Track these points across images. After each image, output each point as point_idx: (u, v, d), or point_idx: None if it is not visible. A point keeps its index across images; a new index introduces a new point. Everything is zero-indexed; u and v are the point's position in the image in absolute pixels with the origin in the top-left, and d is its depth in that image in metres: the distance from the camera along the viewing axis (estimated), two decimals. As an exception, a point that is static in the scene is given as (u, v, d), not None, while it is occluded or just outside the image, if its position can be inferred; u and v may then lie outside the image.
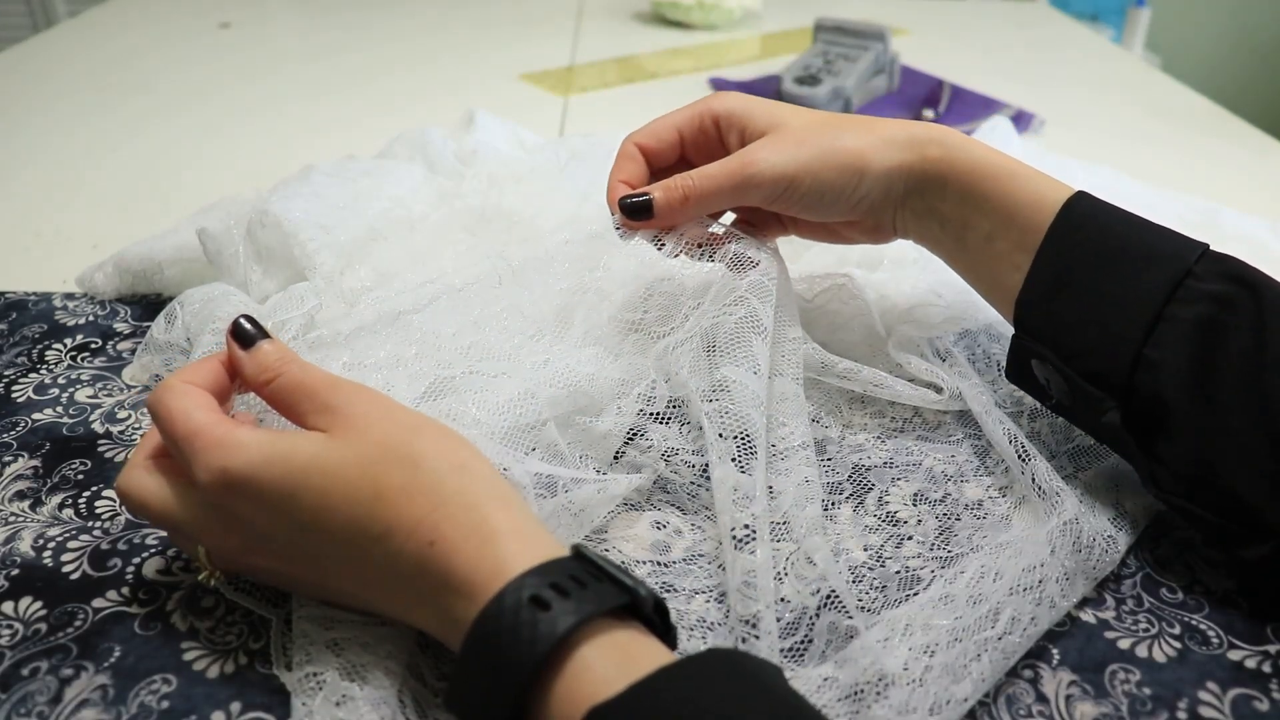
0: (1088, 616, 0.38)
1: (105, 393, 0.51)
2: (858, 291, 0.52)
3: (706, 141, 0.47)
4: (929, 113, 0.97)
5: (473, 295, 0.48)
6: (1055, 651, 0.36)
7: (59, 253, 0.67)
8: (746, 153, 0.43)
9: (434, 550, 0.31)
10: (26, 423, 0.48)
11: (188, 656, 0.35)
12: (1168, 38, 2.46)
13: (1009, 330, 0.44)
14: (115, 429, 0.48)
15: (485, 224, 0.61)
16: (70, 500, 0.43)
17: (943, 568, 0.40)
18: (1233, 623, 0.38)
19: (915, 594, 0.38)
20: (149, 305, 0.59)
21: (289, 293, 0.51)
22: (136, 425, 0.48)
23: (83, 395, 0.50)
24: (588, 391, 0.44)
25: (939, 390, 0.48)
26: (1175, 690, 0.35)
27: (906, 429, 0.48)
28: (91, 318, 0.58)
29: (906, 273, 0.56)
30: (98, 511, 0.42)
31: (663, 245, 0.46)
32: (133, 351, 0.54)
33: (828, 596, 0.36)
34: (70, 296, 0.60)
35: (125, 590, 0.38)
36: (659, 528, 0.42)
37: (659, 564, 0.40)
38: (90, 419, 0.48)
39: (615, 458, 0.44)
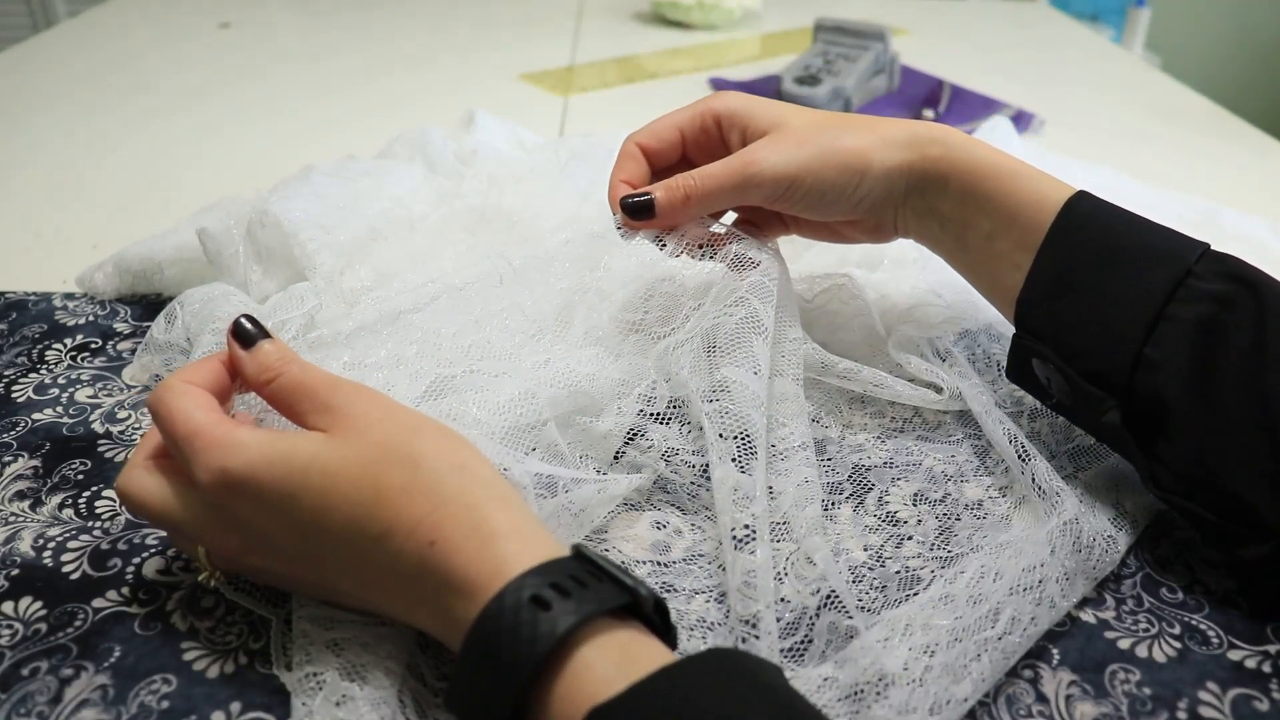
0: (1088, 616, 0.38)
1: (105, 393, 0.51)
2: (858, 291, 0.52)
3: (708, 141, 0.47)
4: (929, 113, 0.97)
5: (473, 294, 0.48)
6: (1055, 651, 0.36)
7: (59, 253, 0.67)
8: (748, 152, 0.43)
9: (434, 550, 0.31)
10: (26, 423, 0.48)
11: (188, 656, 0.35)
12: (1168, 38, 2.46)
13: (1009, 330, 0.44)
14: (115, 429, 0.48)
15: (485, 224, 0.61)
16: (70, 500, 0.43)
17: (943, 568, 0.40)
18: (1233, 623, 0.38)
19: (915, 594, 0.38)
20: (149, 305, 0.59)
21: (289, 293, 0.51)
22: (136, 425, 0.48)
23: (83, 395, 0.50)
24: (588, 391, 0.44)
25: (939, 390, 0.48)
26: (1175, 690, 0.35)
27: (906, 429, 0.48)
28: (91, 318, 0.58)
29: (906, 273, 0.56)
30: (98, 511, 0.42)
31: (664, 245, 0.46)
32: (133, 351, 0.54)
33: (828, 596, 0.36)
34: (70, 296, 0.60)
35: (125, 590, 0.38)
36: (659, 528, 0.42)
37: (659, 564, 0.40)
38: (90, 419, 0.48)
39: (615, 458, 0.44)
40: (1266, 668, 0.36)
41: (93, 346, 0.55)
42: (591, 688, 0.27)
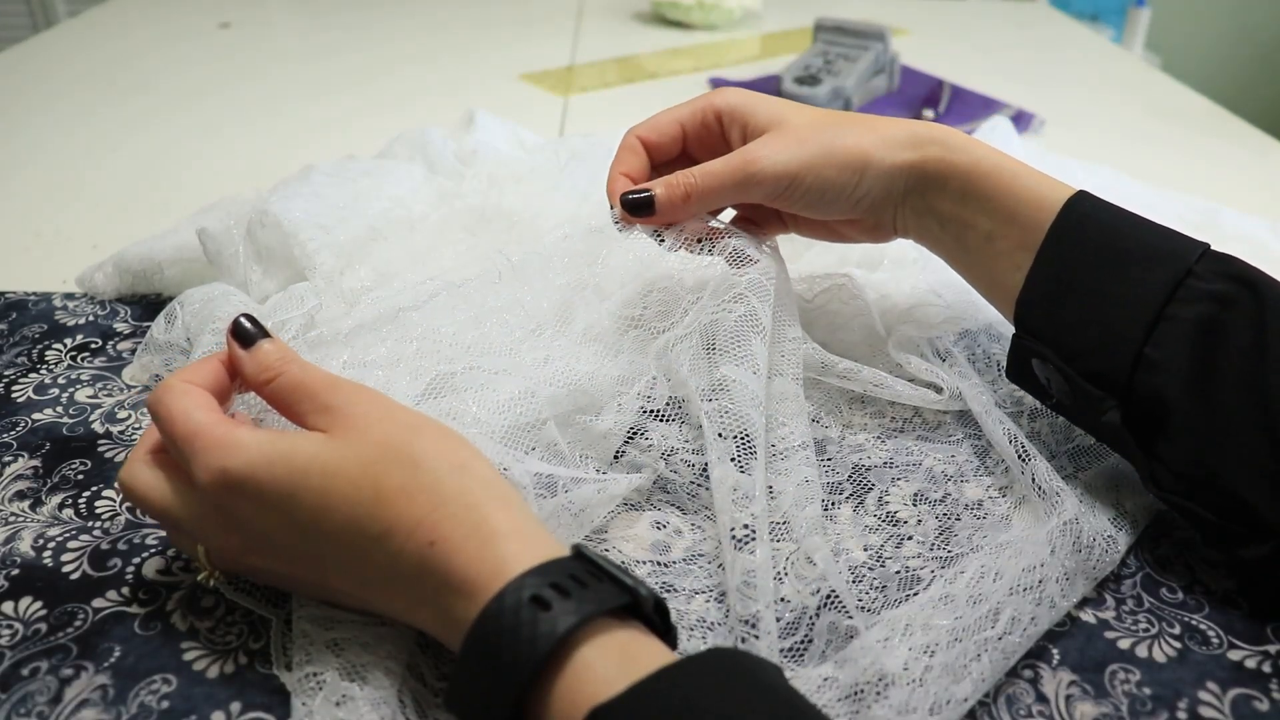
0: (1088, 616, 0.38)
1: (105, 393, 0.51)
2: (858, 291, 0.52)
3: (709, 136, 0.47)
4: (929, 113, 0.97)
5: (472, 292, 0.48)
6: (1055, 651, 0.36)
7: (59, 253, 0.67)
8: (749, 150, 0.43)
9: (434, 551, 0.31)
10: (26, 423, 0.48)
11: (188, 656, 0.35)
12: (1168, 38, 2.46)
13: (1009, 330, 0.44)
14: (115, 429, 0.48)
15: (485, 224, 0.61)
16: (70, 500, 0.43)
17: (943, 567, 0.40)
18: (1233, 623, 0.38)
19: (915, 594, 0.38)
20: (149, 305, 0.59)
21: (289, 293, 0.51)
22: (136, 425, 0.48)
23: (83, 395, 0.50)
24: (587, 390, 0.44)
25: (939, 390, 0.48)
26: (1175, 690, 0.35)
27: (906, 429, 0.48)
28: (91, 318, 0.58)
29: (906, 273, 0.56)
30: (98, 511, 0.42)
31: (662, 240, 0.46)
32: (133, 351, 0.54)
33: (828, 596, 0.36)
34: (70, 296, 0.60)
35: (125, 590, 0.38)
36: (659, 527, 0.42)
37: (659, 564, 0.40)
38: (90, 419, 0.48)
39: (615, 457, 0.44)
40: (1266, 668, 0.36)
41: (93, 346, 0.55)
42: (592, 687, 0.27)
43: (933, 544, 0.41)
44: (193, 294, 0.52)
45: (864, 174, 0.43)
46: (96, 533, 0.41)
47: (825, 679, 0.33)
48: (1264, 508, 0.35)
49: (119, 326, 0.57)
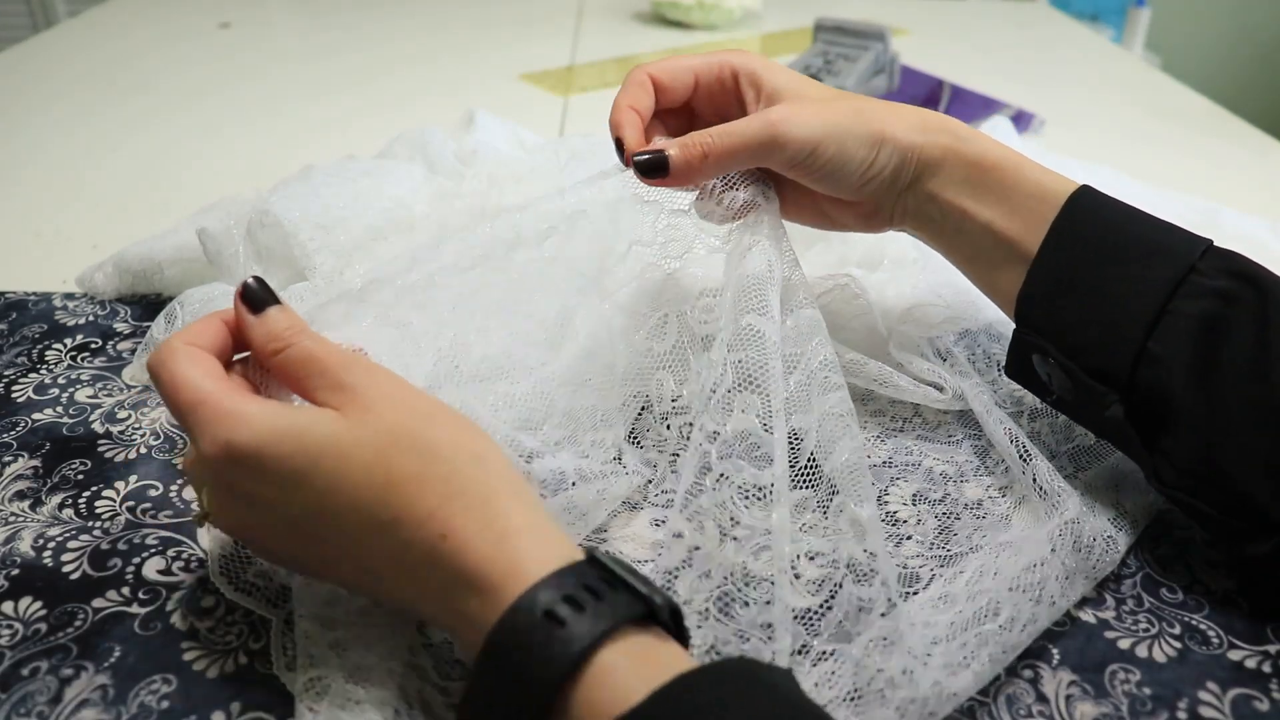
0: (1088, 616, 0.38)
1: (105, 393, 0.51)
2: (859, 291, 0.52)
3: (720, 94, 0.46)
4: (929, 113, 0.97)
5: (473, 289, 0.47)
6: (1055, 651, 0.36)
7: (59, 253, 0.67)
8: (772, 113, 0.42)
9: (446, 545, 0.30)
10: (26, 423, 0.48)
11: (188, 656, 0.35)
12: (1168, 38, 2.46)
13: (1009, 330, 0.44)
14: (115, 429, 0.48)
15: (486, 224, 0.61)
16: (70, 500, 0.43)
17: (942, 567, 0.40)
18: (1233, 623, 0.38)
19: (915, 593, 0.38)
20: (149, 305, 0.59)
21: (289, 292, 0.51)
22: (136, 425, 0.48)
23: (83, 395, 0.50)
24: (589, 389, 0.44)
25: (941, 390, 0.48)
26: (1175, 690, 0.35)
27: (906, 429, 0.48)
28: (91, 318, 0.58)
29: (906, 273, 0.56)
30: (98, 511, 0.42)
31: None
32: (133, 351, 0.54)
33: (849, 566, 0.36)
34: (70, 296, 0.60)
35: (125, 590, 0.38)
36: (659, 526, 0.42)
37: (659, 563, 0.40)
38: (90, 419, 0.48)
39: (616, 458, 0.44)
40: (1266, 668, 0.36)
41: (93, 346, 0.55)
42: (612, 694, 0.27)
43: (932, 543, 0.41)
44: (193, 294, 0.52)
45: (880, 151, 0.43)
46: (96, 533, 0.41)
47: (828, 675, 0.33)
48: (1268, 503, 0.35)
49: (119, 326, 0.57)
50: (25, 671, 0.34)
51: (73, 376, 0.52)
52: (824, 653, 0.34)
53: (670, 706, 0.26)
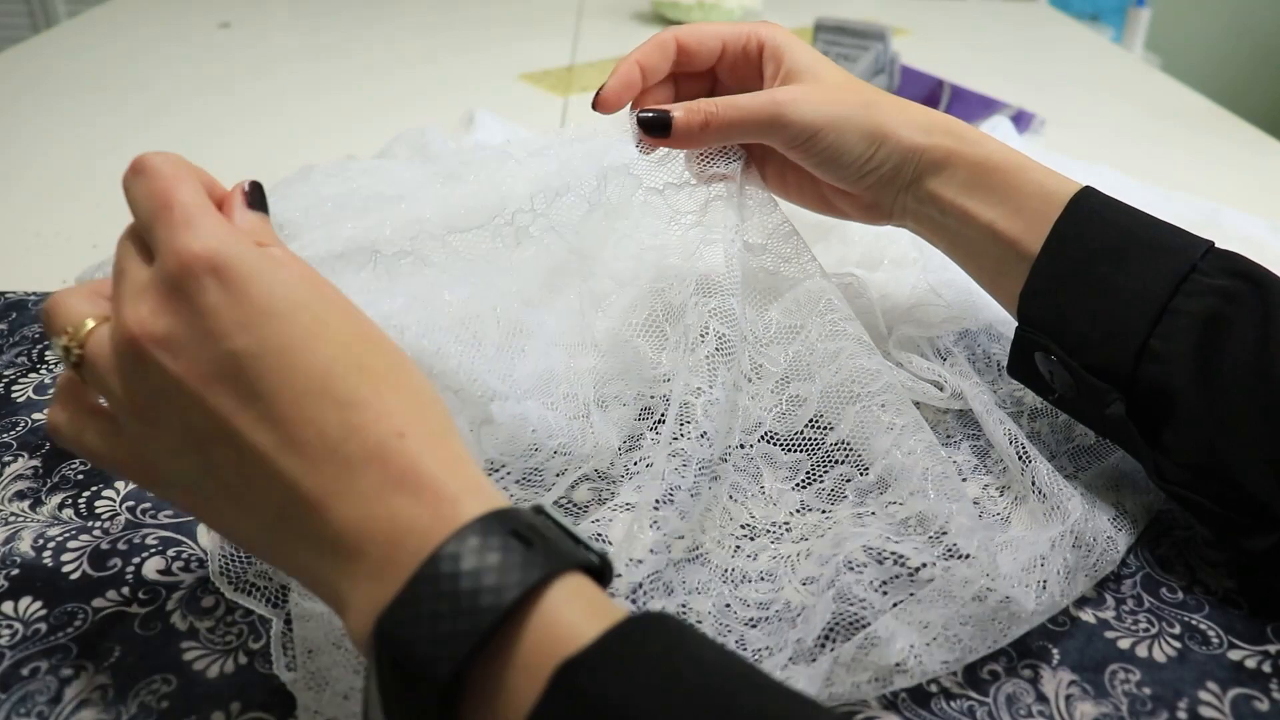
0: (1088, 616, 0.38)
1: (105, 393, 0.51)
2: (861, 290, 0.52)
3: (744, 64, 0.46)
4: (929, 113, 0.97)
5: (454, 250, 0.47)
6: (1055, 651, 0.36)
7: (59, 253, 0.67)
8: (780, 92, 0.43)
9: (403, 443, 0.27)
10: (26, 423, 0.48)
11: (188, 656, 0.35)
12: (1168, 38, 2.46)
13: (1009, 330, 0.44)
14: (115, 429, 0.48)
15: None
16: (70, 500, 0.43)
17: (943, 544, 0.40)
18: (1233, 623, 0.38)
19: (914, 594, 0.38)
20: (149, 305, 0.59)
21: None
22: (136, 425, 0.48)
23: (83, 395, 0.50)
24: (560, 350, 0.43)
25: (940, 388, 0.48)
26: (1175, 690, 0.35)
27: (906, 429, 0.48)
28: (91, 318, 0.58)
29: (907, 273, 0.56)
30: (98, 511, 0.42)
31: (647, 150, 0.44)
32: (133, 351, 0.54)
33: (832, 592, 0.36)
34: (70, 296, 0.60)
35: (125, 590, 0.38)
36: (657, 527, 0.42)
37: (658, 564, 0.40)
38: (90, 419, 0.48)
39: (616, 459, 0.44)
40: (1266, 668, 0.36)
41: (93, 346, 0.55)
42: (562, 631, 0.25)
43: (931, 531, 0.41)
44: (193, 294, 0.52)
45: (881, 147, 0.43)
46: (96, 533, 0.41)
47: (826, 678, 0.33)
48: (1269, 497, 0.36)
49: (119, 326, 0.57)
50: (25, 671, 0.34)
51: (73, 376, 0.52)
52: (821, 648, 0.34)
53: (621, 647, 0.24)
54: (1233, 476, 0.36)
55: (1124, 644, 0.37)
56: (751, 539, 0.39)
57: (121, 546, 0.40)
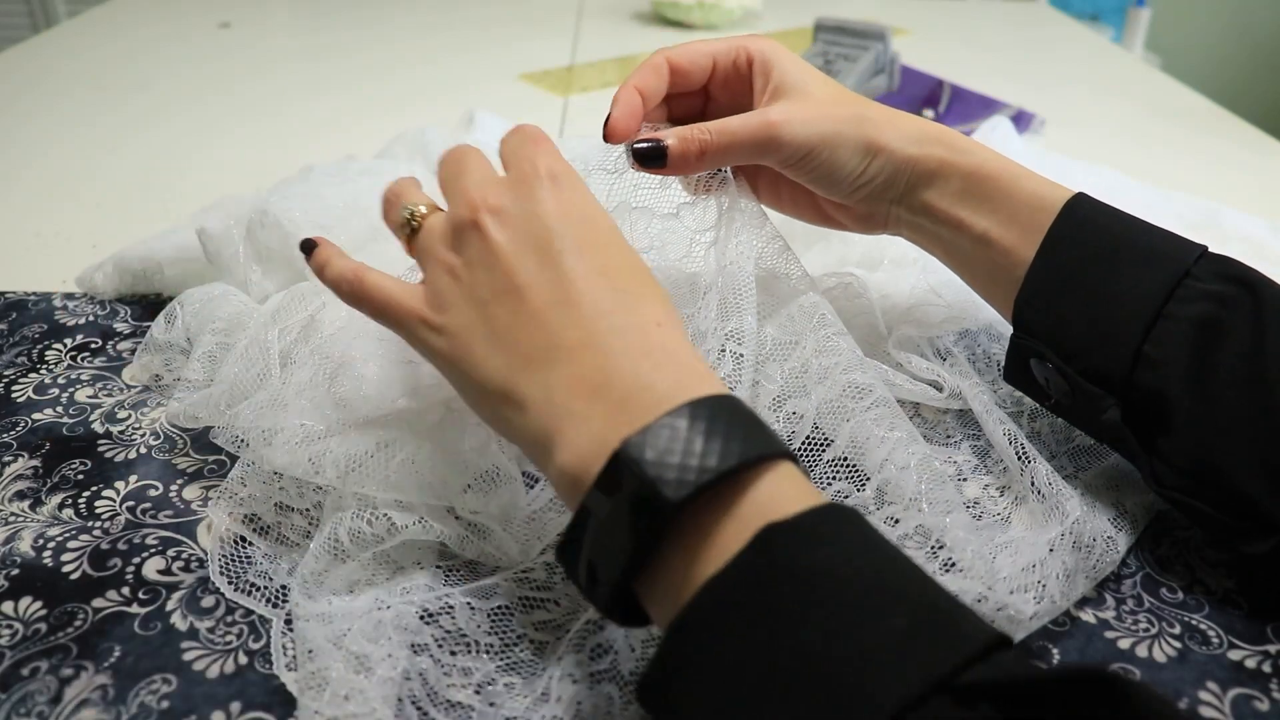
0: (1088, 616, 0.38)
1: (105, 393, 0.51)
2: (861, 290, 0.52)
3: (735, 78, 0.46)
4: (929, 112, 0.97)
5: None
6: (1055, 651, 0.36)
7: (59, 253, 0.67)
8: (771, 112, 0.43)
9: (660, 330, 0.33)
10: (26, 423, 0.48)
11: (188, 656, 0.35)
12: (1168, 38, 2.46)
13: (1009, 330, 0.44)
14: (115, 429, 0.48)
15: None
16: (70, 500, 0.43)
17: (938, 554, 0.40)
18: (1233, 623, 0.38)
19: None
20: (149, 305, 0.59)
21: (292, 292, 0.51)
22: (136, 425, 0.48)
23: (83, 395, 0.50)
24: None
25: (940, 388, 0.48)
26: (1175, 690, 0.35)
27: (906, 429, 0.48)
28: (91, 318, 0.58)
29: (906, 273, 0.56)
30: (98, 511, 0.42)
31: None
32: (133, 351, 0.54)
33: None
34: (70, 296, 0.60)
35: (125, 590, 0.38)
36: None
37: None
38: (90, 419, 0.48)
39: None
40: (1266, 668, 0.36)
41: (93, 346, 0.55)
42: (775, 501, 0.28)
43: (933, 547, 0.41)
44: (193, 294, 0.52)
45: (873, 160, 0.43)
46: (96, 533, 0.41)
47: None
48: (1265, 502, 0.36)
49: (119, 326, 0.57)
50: (25, 671, 0.34)
51: (73, 376, 0.52)
52: None
53: (828, 522, 0.28)
54: (1228, 481, 0.36)
55: (1124, 644, 0.37)
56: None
57: (121, 546, 0.40)
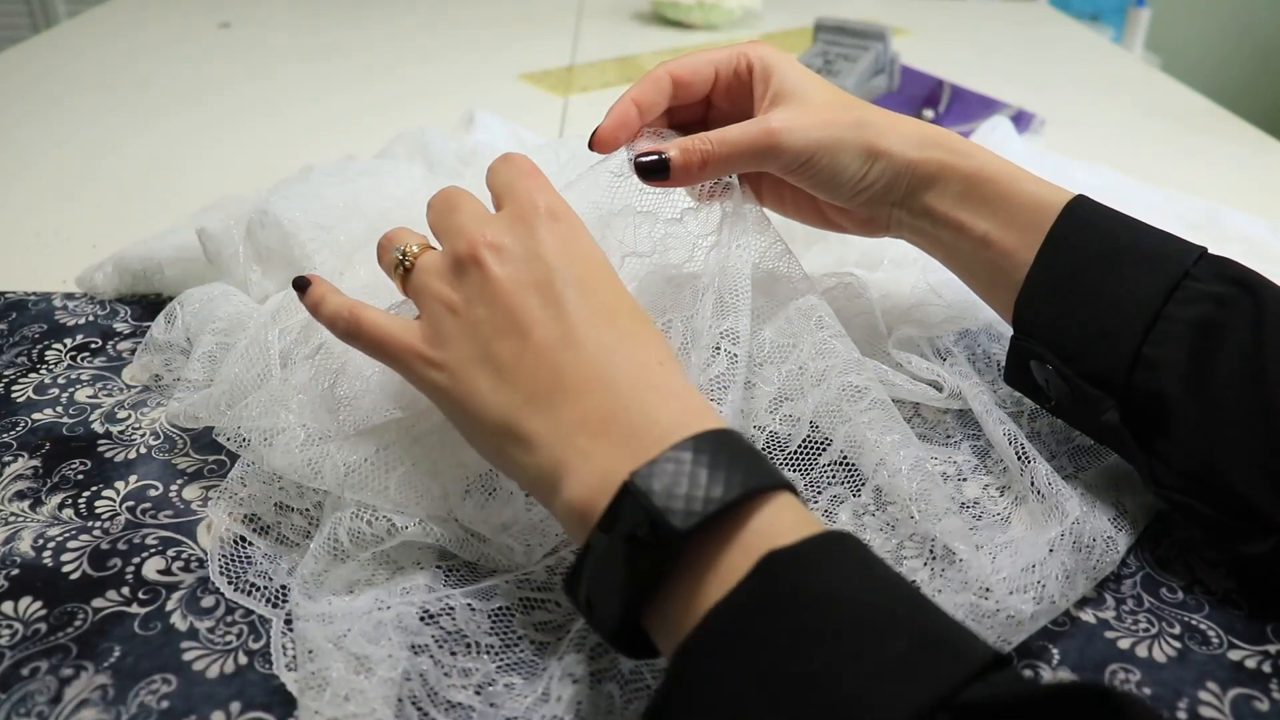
0: (1088, 616, 0.38)
1: (105, 393, 0.51)
2: (861, 290, 0.52)
3: (737, 86, 0.47)
4: (929, 113, 0.97)
5: None
6: (1055, 651, 0.36)
7: (59, 253, 0.67)
8: (771, 119, 0.43)
9: (661, 368, 0.34)
10: (26, 423, 0.48)
11: (188, 656, 0.35)
12: (1168, 38, 2.46)
13: (1009, 330, 0.44)
14: (115, 429, 0.48)
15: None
16: (70, 500, 0.43)
17: (938, 560, 0.40)
18: (1233, 623, 0.38)
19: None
20: (149, 305, 0.59)
21: (289, 293, 0.51)
22: (136, 425, 0.48)
23: (83, 395, 0.50)
24: None
25: (939, 388, 0.48)
26: (1175, 690, 0.35)
27: (906, 429, 0.48)
28: (91, 318, 0.58)
29: (906, 273, 0.56)
30: (98, 511, 0.42)
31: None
32: (133, 351, 0.54)
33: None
34: (70, 296, 0.60)
35: (125, 590, 0.38)
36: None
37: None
38: (90, 419, 0.48)
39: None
40: (1266, 668, 0.36)
41: (93, 346, 0.55)
42: (776, 529, 0.29)
43: (932, 548, 0.41)
44: (193, 294, 0.52)
45: (874, 165, 0.43)
46: (96, 533, 0.41)
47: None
48: (1264, 503, 0.36)
49: (119, 326, 0.57)
50: (25, 671, 0.34)
51: (73, 376, 0.52)
52: None
53: (827, 548, 0.28)
54: (1227, 482, 0.36)
55: (1124, 644, 0.37)
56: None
57: (121, 546, 0.40)
